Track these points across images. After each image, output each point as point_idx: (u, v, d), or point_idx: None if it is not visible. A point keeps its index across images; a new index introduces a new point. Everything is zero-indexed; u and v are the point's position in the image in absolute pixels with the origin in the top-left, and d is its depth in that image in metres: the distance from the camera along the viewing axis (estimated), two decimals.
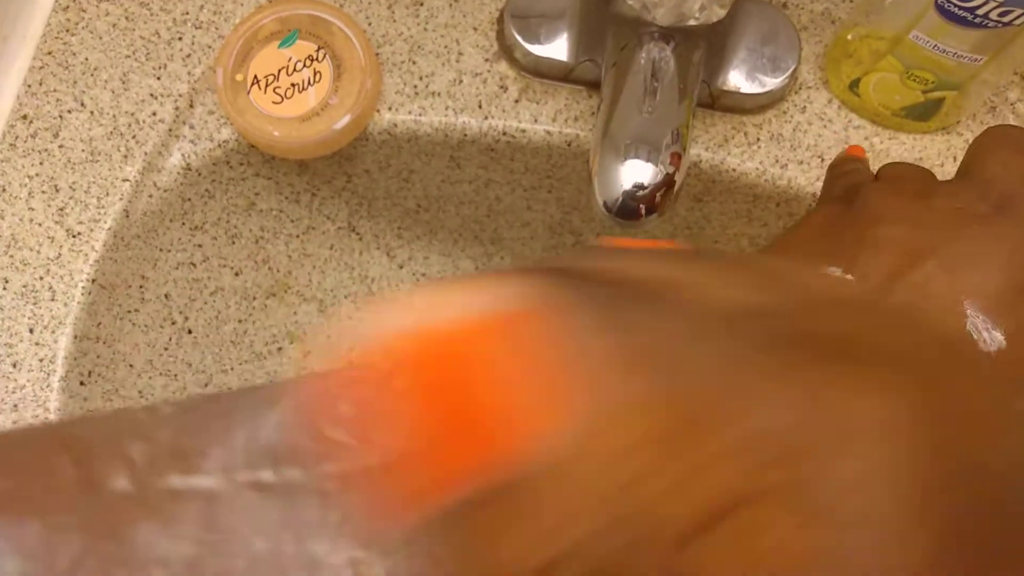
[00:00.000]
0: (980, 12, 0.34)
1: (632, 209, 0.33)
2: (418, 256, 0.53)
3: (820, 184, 0.43)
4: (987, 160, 0.24)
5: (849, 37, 0.41)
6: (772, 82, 0.41)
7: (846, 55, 0.41)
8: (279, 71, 0.42)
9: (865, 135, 0.43)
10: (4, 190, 0.41)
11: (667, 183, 0.33)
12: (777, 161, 0.43)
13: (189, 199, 0.44)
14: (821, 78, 0.43)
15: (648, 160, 0.33)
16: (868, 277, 0.21)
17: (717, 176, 0.43)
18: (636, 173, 0.33)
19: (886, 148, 0.42)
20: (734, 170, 0.43)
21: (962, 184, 0.24)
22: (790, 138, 0.43)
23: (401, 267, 0.53)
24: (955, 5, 0.34)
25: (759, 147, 0.43)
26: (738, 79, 0.41)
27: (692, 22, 0.34)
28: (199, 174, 0.43)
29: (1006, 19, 0.33)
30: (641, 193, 0.33)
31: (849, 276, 0.21)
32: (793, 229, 0.25)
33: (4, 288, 0.40)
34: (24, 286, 0.40)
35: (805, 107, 0.43)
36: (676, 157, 0.34)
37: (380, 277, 0.53)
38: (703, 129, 0.43)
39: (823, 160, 0.43)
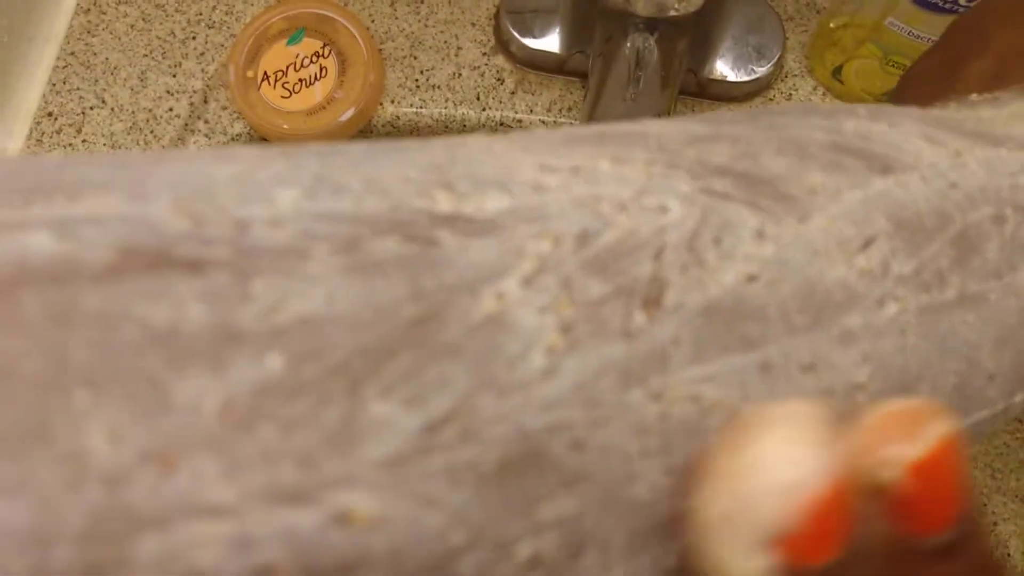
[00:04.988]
0: None
1: None
2: None
3: None
4: None
5: (832, 25, 0.42)
6: (758, 70, 0.43)
7: (830, 43, 0.43)
8: (287, 67, 0.44)
9: None
10: None
11: None
12: None
13: None
14: (806, 66, 0.45)
15: None
16: None
17: None
18: None
19: None
20: None
21: None
22: None
23: None
24: None
25: None
26: (725, 68, 0.43)
27: (672, 12, 0.35)
28: None
29: (974, 5, 0.35)
30: None
31: None
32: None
33: None
34: None
35: (791, 94, 0.45)
36: None
37: None
38: None
39: None
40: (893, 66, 0.41)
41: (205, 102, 0.45)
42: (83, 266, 0.10)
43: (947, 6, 0.36)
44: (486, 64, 0.45)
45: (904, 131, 0.17)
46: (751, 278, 0.13)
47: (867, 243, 0.14)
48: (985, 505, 0.45)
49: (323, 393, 0.10)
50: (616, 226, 0.13)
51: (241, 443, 0.10)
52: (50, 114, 0.45)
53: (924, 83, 0.25)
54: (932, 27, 0.37)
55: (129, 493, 0.09)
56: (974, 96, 0.22)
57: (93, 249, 0.10)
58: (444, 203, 0.12)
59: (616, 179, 0.13)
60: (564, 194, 0.13)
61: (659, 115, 0.36)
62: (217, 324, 0.10)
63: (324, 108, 0.44)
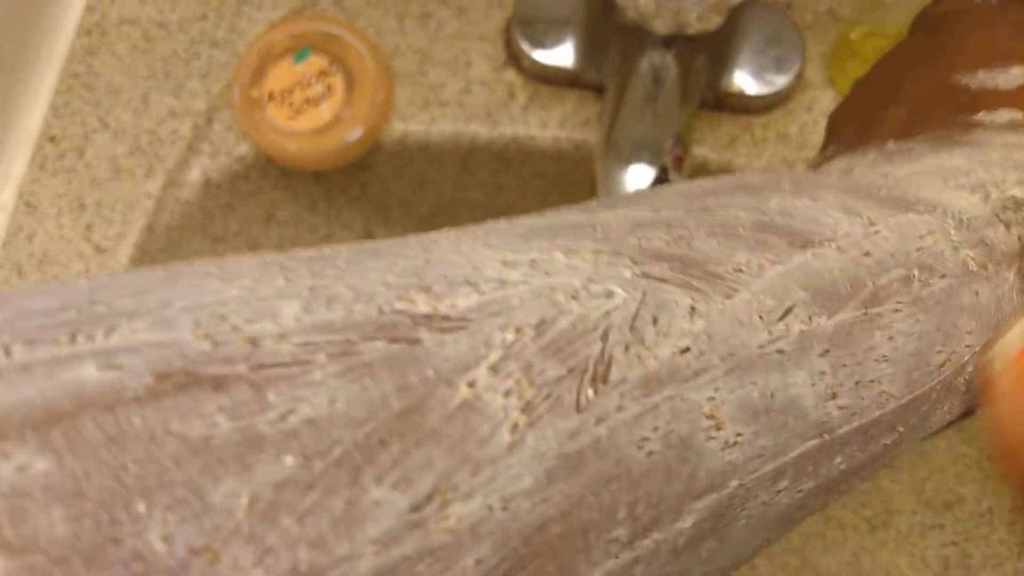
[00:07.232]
0: None
1: None
2: None
3: None
4: None
5: (853, 36, 0.41)
6: (777, 82, 0.42)
7: (851, 53, 0.42)
8: (293, 86, 0.43)
9: None
10: (36, 209, 0.43)
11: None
12: (784, 160, 0.43)
13: (210, 212, 0.45)
14: (826, 77, 0.43)
15: (650, 165, 0.34)
16: None
17: None
18: (639, 178, 0.34)
19: None
20: (742, 171, 0.43)
21: None
22: (797, 137, 0.43)
23: None
24: None
25: (766, 147, 0.43)
26: (743, 80, 0.42)
27: (691, 31, 0.34)
28: (219, 188, 0.45)
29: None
30: None
31: None
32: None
33: None
34: None
35: (811, 106, 0.43)
36: (678, 161, 0.34)
37: None
38: (710, 131, 0.43)
39: None
40: None
41: (209, 123, 0.44)
42: (127, 392, 0.12)
43: None
44: (497, 79, 0.44)
45: (824, 204, 0.19)
46: (684, 351, 0.16)
47: (786, 312, 0.17)
48: (1014, 524, 0.43)
49: (330, 484, 0.12)
50: (569, 313, 0.15)
51: (267, 533, 0.12)
52: (52, 138, 0.44)
53: (847, 126, 0.26)
54: None
55: None
56: (891, 145, 0.23)
57: (133, 376, 0.12)
58: (422, 304, 0.14)
59: (568, 269, 0.16)
60: (524, 286, 0.15)
61: (678, 131, 0.35)
62: (241, 432, 0.12)
63: (331, 128, 0.43)
